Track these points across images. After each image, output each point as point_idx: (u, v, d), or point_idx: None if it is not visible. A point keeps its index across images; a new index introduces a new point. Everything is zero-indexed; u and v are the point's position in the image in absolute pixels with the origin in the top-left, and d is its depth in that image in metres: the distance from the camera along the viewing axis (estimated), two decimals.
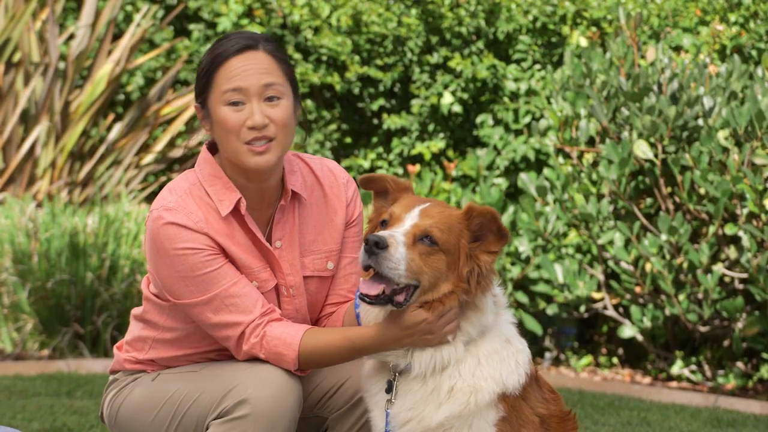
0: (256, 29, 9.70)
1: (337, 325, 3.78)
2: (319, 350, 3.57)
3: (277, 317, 3.64)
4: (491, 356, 3.42)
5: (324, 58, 9.60)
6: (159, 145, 9.87)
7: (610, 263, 7.99)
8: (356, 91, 9.64)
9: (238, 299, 3.60)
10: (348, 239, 3.84)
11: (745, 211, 7.24)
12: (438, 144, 9.40)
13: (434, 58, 9.49)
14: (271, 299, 3.72)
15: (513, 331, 3.51)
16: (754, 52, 8.36)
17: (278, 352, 3.58)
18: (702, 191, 7.49)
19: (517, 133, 9.23)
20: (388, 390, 3.45)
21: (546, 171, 8.25)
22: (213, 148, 3.77)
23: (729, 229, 7.36)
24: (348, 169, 9.58)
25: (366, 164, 9.67)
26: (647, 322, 7.81)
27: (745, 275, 7.39)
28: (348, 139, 9.91)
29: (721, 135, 7.26)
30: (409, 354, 3.43)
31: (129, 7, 10.40)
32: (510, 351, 3.45)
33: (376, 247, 3.24)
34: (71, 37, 10.29)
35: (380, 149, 9.76)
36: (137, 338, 3.83)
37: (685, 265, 7.46)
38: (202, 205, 3.65)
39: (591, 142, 7.92)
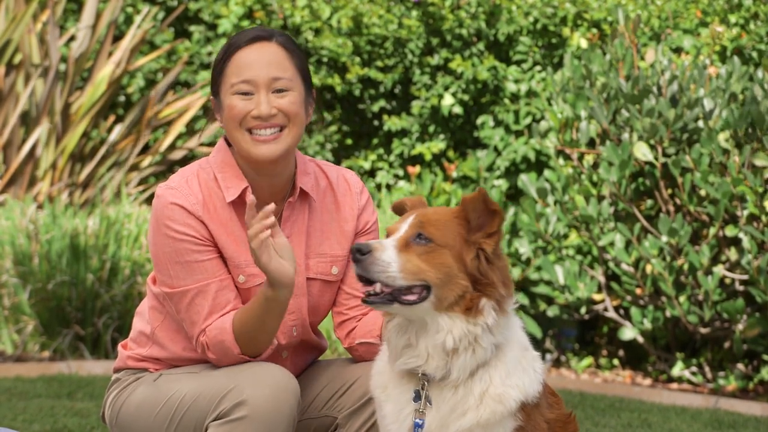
0: None
1: (377, 324, 3.74)
2: (246, 318, 3.58)
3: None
4: (516, 364, 3.36)
5: (324, 59, 9.60)
6: (159, 147, 9.86)
7: (611, 265, 7.99)
8: (357, 92, 9.64)
9: (206, 300, 3.62)
10: None
11: (746, 212, 7.24)
12: (438, 145, 9.40)
13: (435, 60, 9.49)
14: None
15: (526, 337, 3.46)
16: (754, 54, 8.35)
17: (219, 339, 3.61)
18: (702, 193, 7.49)
19: (518, 134, 9.23)
20: (416, 399, 3.35)
21: (546, 172, 8.25)
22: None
23: (729, 231, 7.36)
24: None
25: (366, 165, 9.67)
26: (648, 324, 7.81)
27: (745, 277, 7.39)
28: (348, 141, 9.91)
29: (722, 137, 7.26)
30: (449, 360, 3.32)
31: (129, 9, 10.40)
32: (529, 358, 3.41)
33: (358, 254, 3.22)
34: (72, 38, 10.29)
35: (381, 150, 9.76)
36: (140, 333, 3.85)
37: (685, 267, 7.46)
38: (206, 188, 3.67)
39: (591, 143, 7.92)
